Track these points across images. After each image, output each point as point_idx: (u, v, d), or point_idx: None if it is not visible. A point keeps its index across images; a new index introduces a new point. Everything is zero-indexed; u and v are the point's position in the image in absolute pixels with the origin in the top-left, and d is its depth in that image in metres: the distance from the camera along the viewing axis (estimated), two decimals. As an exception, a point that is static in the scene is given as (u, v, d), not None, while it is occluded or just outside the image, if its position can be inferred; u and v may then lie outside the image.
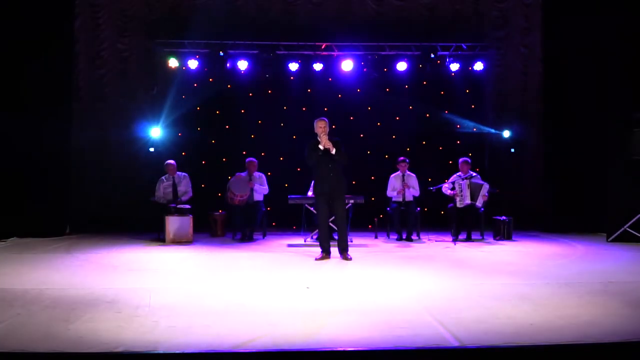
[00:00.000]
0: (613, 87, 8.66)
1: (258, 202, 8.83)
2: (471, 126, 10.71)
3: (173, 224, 8.29)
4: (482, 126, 10.69)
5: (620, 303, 4.38)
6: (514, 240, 8.53)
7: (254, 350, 3.28)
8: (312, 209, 8.42)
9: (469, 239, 8.54)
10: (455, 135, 10.73)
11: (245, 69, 10.31)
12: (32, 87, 8.64)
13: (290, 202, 8.33)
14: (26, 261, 6.55)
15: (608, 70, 8.84)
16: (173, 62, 10.17)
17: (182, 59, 10.23)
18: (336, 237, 7.46)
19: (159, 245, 8.13)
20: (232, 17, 10.23)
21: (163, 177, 8.95)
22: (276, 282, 5.41)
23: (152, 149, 10.24)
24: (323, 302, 4.52)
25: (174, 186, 8.88)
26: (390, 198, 8.89)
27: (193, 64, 10.20)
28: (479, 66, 10.41)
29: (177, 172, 8.99)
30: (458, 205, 8.39)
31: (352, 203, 8.09)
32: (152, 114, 10.23)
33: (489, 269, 6.13)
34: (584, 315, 4.04)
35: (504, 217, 8.74)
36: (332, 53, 10.37)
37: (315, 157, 6.75)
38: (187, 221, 8.35)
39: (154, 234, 8.74)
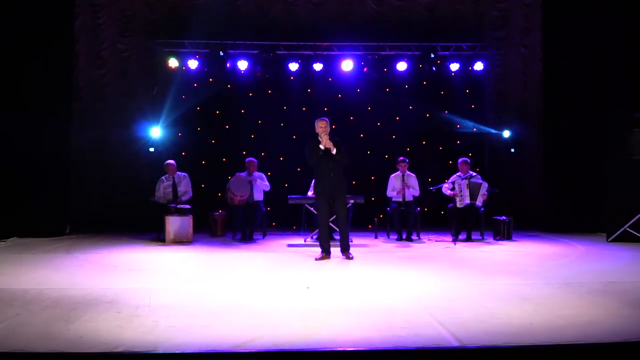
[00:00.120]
0: (613, 87, 8.67)
1: (258, 202, 8.83)
2: (471, 126, 10.71)
3: (173, 224, 8.29)
4: (482, 126, 10.69)
5: (620, 303, 4.38)
6: (514, 240, 8.53)
7: (254, 350, 3.28)
8: (312, 209, 8.43)
9: (469, 239, 8.54)
10: (455, 135, 10.73)
11: (245, 69, 10.31)
12: (32, 87, 8.63)
13: (290, 202, 8.33)
14: (26, 261, 6.55)
15: (608, 70, 8.85)
16: (173, 62, 10.17)
17: (182, 59, 10.23)
18: (336, 237, 7.47)
19: (159, 245, 8.12)
20: (232, 17, 10.23)
21: (163, 177, 8.95)
22: (276, 282, 5.41)
23: (152, 149, 10.24)
24: (323, 302, 4.52)
25: (174, 186, 8.88)
26: (390, 198, 8.89)
27: (193, 64, 10.20)
28: (479, 66, 10.41)
29: (177, 172, 8.98)
30: (458, 205, 8.39)
31: (352, 203, 8.09)
32: (152, 114, 10.23)
33: (489, 269, 6.13)
34: (584, 315, 4.04)
35: (504, 217, 8.74)
36: (332, 53, 10.37)
37: (315, 157, 6.75)
38: (187, 221, 8.35)
39: (154, 234, 8.74)
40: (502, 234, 8.70)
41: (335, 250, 6.90)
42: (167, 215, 8.33)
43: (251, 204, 8.70)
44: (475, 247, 7.91)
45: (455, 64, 10.37)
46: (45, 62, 8.66)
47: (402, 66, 10.37)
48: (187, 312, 4.18)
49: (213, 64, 10.27)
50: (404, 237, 8.62)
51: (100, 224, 9.55)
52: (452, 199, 8.49)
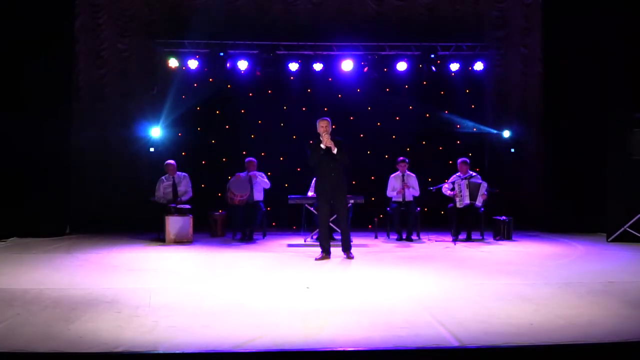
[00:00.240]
0: (613, 87, 8.67)
1: (258, 202, 8.83)
2: (471, 126, 10.71)
3: (173, 224, 8.29)
4: (482, 126, 10.69)
5: (620, 303, 4.38)
6: (514, 240, 8.53)
7: (254, 350, 3.28)
8: (312, 209, 8.43)
9: (469, 239, 8.54)
10: (455, 135, 10.73)
11: (245, 69, 10.31)
12: (32, 87, 8.63)
13: (290, 202, 8.34)
14: (26, 261, 6.55)
15: (608, 70, 8.85)
16: (173, 62, 10.17)
17: (182, 59, 10.23)
18: (336, 237, 7.48)
19: (159, 245, 8.12)
20: (232, 17, 10.24)
21: (163, 177, 8.95)
22: (276, 282, 5.41)
23: (152, 149, 10.24)
24: (323, 302, 4.52)
25: (174, 186, 8.88)
26: (390, 198, 8.89)
27: (193, 64, 10.20)
28: (479, 66, 10.41)
29: (177, 172, 8.98)
30: (458, 205, 8.39)
31: (352, 203, 8.09)
32: (152, 114, 10.22)
33: (489, 269, 6.13)
34: (584, 315, 4.04)
35: (504, 217, 8.74)
36: (332, 53, 10.37)
37: (316, 157, 6.76)
38: (187, 221, 8.35)
39: (154, 234, 8.74)
40: (502, 234, 8.70)
41: (336, 250, 6.90)
42: (167, 215, 8.33)
43: (251, 204, 8.70)
44: (475, 247, 7.91)
45: (455, 64, 10.37)
46: (45, 62, 8.66)
47: (402, 66, 10.37)
48: (187, 312, 4.18)
49: (213, 64, 10.27)
50: (404, 237, 8.62)
51: (100, 224, 9.55)
52: (452, 199, 8.49)
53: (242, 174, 8.70)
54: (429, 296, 4.73)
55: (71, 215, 9.30)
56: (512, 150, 10.70)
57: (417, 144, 10.67)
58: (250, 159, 8.93)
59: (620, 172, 8.16)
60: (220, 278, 5.68)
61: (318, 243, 7.19)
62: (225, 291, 5.00)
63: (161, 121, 10.22)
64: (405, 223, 8.63)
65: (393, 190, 8.84)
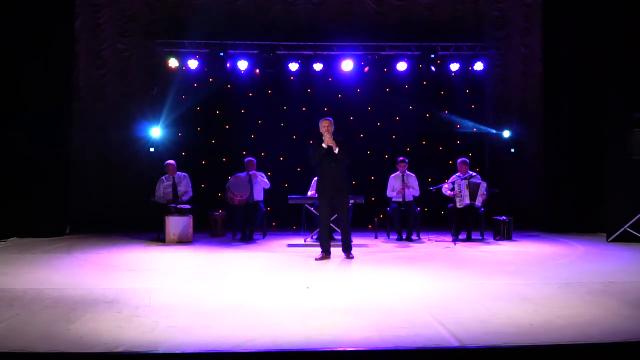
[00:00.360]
0: (613, 87, 8.66)
1: (258, 202, 8.82)
2: (471, 126, 10.71)
3: (173, 224, 8.29)
4: (482, 126, 10.69)
5: (620, 303, 4.38)
6: (514, 240, 8.53)
7: (254, 350, 3.28)
8: (312, 209, 8.43)
9: (469, 239, 8.54)
10: (455, 135, 10.72)
11: (245, 69, 10.31)
12: (32, 87, 8.63)
13: (290, 202, 8.33)
14: (26, 261, 6.55)
15: (608, 70, 8.84)
16: (173, 62, 10.17)
17: (182, 59, 10.23)
18: (336, 237, 7.48)
19: (159, 245, 8.12)
20: (232, 17, 10.23)
21: (163, 177, 8.95)
22: (276, 282, 5.42)
23: (152, 149, 10.23)
24: (323, 302, 4.52)
25: (174, 186, 8.88)
26: (390, 198, 8.89)
27: (193, 64, 10.20)
28: (479, 66, 10.41)
29: (177, 172, 8.98)
30: (458, 205, 8.39)
31: (352, 203, 8.08)
32: (152, 114, 10.22)
33: (489, 269, 6.13)
34: (584, 315, 4.05)
35: (504, 217, 8.74)
36: (332, 53, 10.37)
37: (318, 157, 6.77)
38: (187, 221, 8.35)
39: (154, 234, 8.74)
40: (502, 234, 8.70)
41: (336, 250, 6.90)
42: (167, 215, 8.33)
43: (251, 204, 8.70)
44: (475, 247, 7.91)
45: (455, 64, 10.37)
46: (45, 62, 8.65)
47: (402, 66, 10.37)
48: (187, 312, 4.18)
49: (213, 64, 10.26)
50: (404, 237, 8.62)
51: (100, 224, 9.55)
52: (452, 199, 8.50)
53: (242, 174, 8.70)
54: (429, 296, 4.73)
55: (71, 215, 9.30)
56: (512, 150, 10.70)
57: (417, 144, 10.66)
58: (250, 158, 8.93)
59: (620, 172, 8.16)
60: (220, 278, 5.68)
61: (318, 243, 7.19)
62: (225, 291, 5.00)
63: (161, 121, 10.22)
64: (405, 223, 8.63)
65: (393, 190, 8.84)
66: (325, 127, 6.72)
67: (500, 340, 3.45)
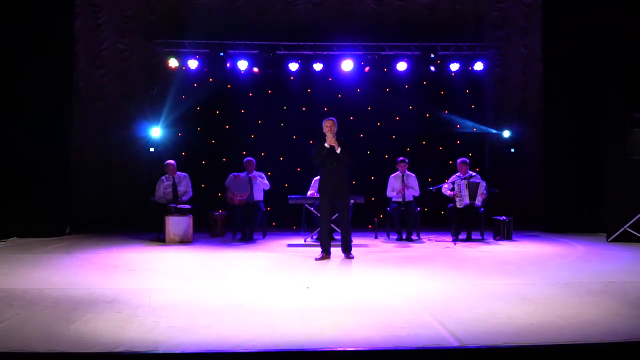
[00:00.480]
0: (613, 87, 8.66)
1: (258, 202, 8.82)
2: (471, 126, 10.71)
3: (173, 224, 8.29)
4: (482, 126, 10.69)
5: (620, 303, 4.38)
6: (514, 240, 8.53)
7: (254, 350, 3.28)
8: (312, 209, 8.44)
9: (469, 239, 8.54)
10: (455, 135, 10.72)
11: (245, 69, 10.31)
12: (32, 87, 8.62)
13: (290, 202, 8.33)
14: (26, 261, 6.55)
15: (608, 70, 8.84)
16: (173, 62, 10.17)
17: (182, 59, 10.23)
18: (336, 237, 7.48)
19: (159, 245, 8.12)
20: (232, 17, 10.23)
21: (163, 177, 8.95)
22: (276, 282, 5.42)
23: (152, 149, 10.24)
24: (323, 302, 4.52)
25: (174, 186, 8.88)
26: (390, 198, 8.89)
27: (193, 64, 10.20)
28: (479, 66, 10.41)
29: (177, 172, 8.98)
30: (458, 205, 8.39)
31: (352, 203, 8.08)
32: (152, 114, 10.22)
33: (489, 269, 6.13)
34: (584, 315, 4.05)
35: (504, 217, 8.74)
36: (332, 53, 10.37)
37: (320, 157, 6.78)
38: (187, 221, 8.35)
39: (154, 234, 8.74)
40: (502, 234, 8.70)
41: (336, 250, 6.90)
42: (167, 215, 8.33)
43: (251, 204, 8.70)
44: (475, 247, 7.91)
45: (455, 64, 10.37)
46: (45, 62, 8.65)
47: (402, 66, 10.37)
48: (187, 312, 4.18)
49: (213, 64, 10.26)
50: (404, 237, 8.62)
51: (100, 224, 9.55)
52: (451, 199, 8.50)
53: (242, 174, 8.70)
54: (429, 296, 4.73)
55: (71, 215, 9.30)
56: (512, 150, 10.70)
57: (417, 144, 10.66)
58: (250, 158, 8.93)
59: (620, 172, 8.16)
60: (220, 278, 5.68)
61: (318, 243, 7.19)
62: (225, 291, 5.00)
63: (161, 121, 10.22)
64: (405, 223, 8.63)
65: (393, 190, 8.84)
66: (328, 127, 6.72)
67: (500, 340, 3.45)
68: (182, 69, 10.33)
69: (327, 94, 10.55)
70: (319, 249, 6.93)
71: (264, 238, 8.93)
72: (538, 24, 10.13)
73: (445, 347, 3.37)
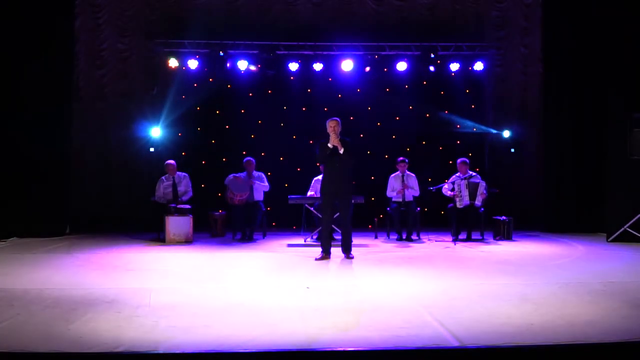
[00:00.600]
0: (613, 87, 8.66)
1: (258, 202, 8.82)
2: (471, 126, 10.71)
3: (173, 224, 8.29)
4: (482, 126, 10.69)
5: (620, 303, 4.38)
6: (514, 240, 8.53)
7: (254, 350, 3.28)
8: (312, 209, 8.44)
9: (469, 239, 8.54)
10: (455, 135, 10.72)
11: (245, 69, 10.31)
12: (32, 87, 8.62)
13: (290, 202, 8.33)
14: (26, 261, 6.55)
15: (608, 70, 8.84)
16: (173, 62, 10.17)
17: (182, 59, 10.23)
18: (336, 237, 7.48)
19: (159, 245, 8.12)
20: (232, 17, 10.23)
21: (163, 177, 8.96)
22: (276, 282, 5.42)
23: (152, 149, 10.24)
24: (323, 302, 4.52)
25: (174, 186, 8.88)
26: (390, 198, 8.89)
27: (193, 64, 10.20)
28: (479, 66, 10.42)
29: (177, 172, 8.99)
30: (458, 205, 8.39)
31: (352, 203, 8.08)
32: (152, 114, 10.22)
33: (489, 269, 6.13)
34: (584, 315, 4.05)
35: (504, 217, 8.74)
36: (332, 53, 10.37)
37: (323, 157, 6.78)
38: (187, 221, 8.35)
39: (154, 234, 8.74)
40: (502, 234, 8.70)
41: (336, 250, 6.90)
42: (167, 215, 8.33)
43: (251, 204, 8.70)
44: (475, 247, 7.91)
45: (455, 64, 10.37)
46: (45, 62, 8.65)
47: (402, 66, 10.38)
48: (187, 312, 4.18)
49: (213, 64, 10.27)
50: (404, 237, 8.62)
51: (100, 224, 9.55)
52: (452, 199, 8.50)
53: (242, 174, 8.70)
54: (429, 296, 4.73)
55: (71, 215, 9.30)
56: (512, 150, 10.70)
57: (417, 144, 10.67)
58: (250, 158, 8.92)
59: (620, 172, 8.16)
60: (220, 278, 5.68)
61: (318, 243, 7.19)
62: (225, 291, 5.00)
63: (161, 121, 10.22)
64: (405, 223, 8.64)
65: (393, 190, 8.84)
66: (332, 127, 6.72)
67: (500, 340, 3.45)
68: (182, 69, 10.33)
69: (327, 94, 10.56)
70: (319, 249, 6.93)
71: (264, 238, 8.93)
72: (538, 24, 10.13)
73: (445, 347, 3.37)
